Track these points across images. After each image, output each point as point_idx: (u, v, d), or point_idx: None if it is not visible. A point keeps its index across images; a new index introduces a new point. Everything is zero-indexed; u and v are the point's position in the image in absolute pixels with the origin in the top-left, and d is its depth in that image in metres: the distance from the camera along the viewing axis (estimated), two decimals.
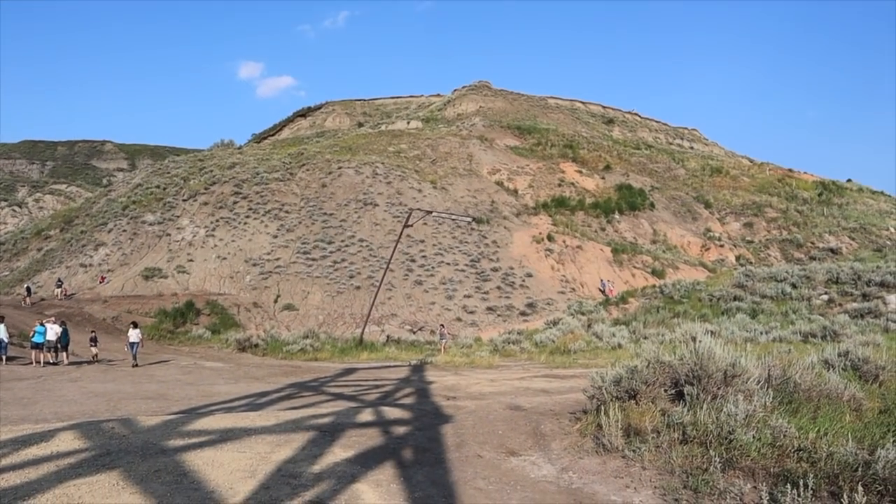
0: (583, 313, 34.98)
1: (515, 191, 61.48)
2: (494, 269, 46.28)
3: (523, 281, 45.49)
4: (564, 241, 51.58)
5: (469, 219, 45.83)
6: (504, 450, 8.13)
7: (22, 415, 11.59)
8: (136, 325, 25.36)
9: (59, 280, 42.39)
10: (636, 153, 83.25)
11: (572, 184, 65.00)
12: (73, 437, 8.41)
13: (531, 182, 63.99)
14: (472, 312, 41.03)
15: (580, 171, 68.66)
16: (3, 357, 22.71)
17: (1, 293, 41.27)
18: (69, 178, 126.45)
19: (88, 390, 15.98)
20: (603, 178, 68.63)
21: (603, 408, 8.35)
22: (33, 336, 23.58)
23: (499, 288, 44.13)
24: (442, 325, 34.08)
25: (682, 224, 63.69)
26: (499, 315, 41.01)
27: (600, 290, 45.44)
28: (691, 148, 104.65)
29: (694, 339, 9.62)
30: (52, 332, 23.82)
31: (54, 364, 23.52)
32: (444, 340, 30.97)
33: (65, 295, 40.35)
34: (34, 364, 22.85)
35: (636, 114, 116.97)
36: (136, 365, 23.37)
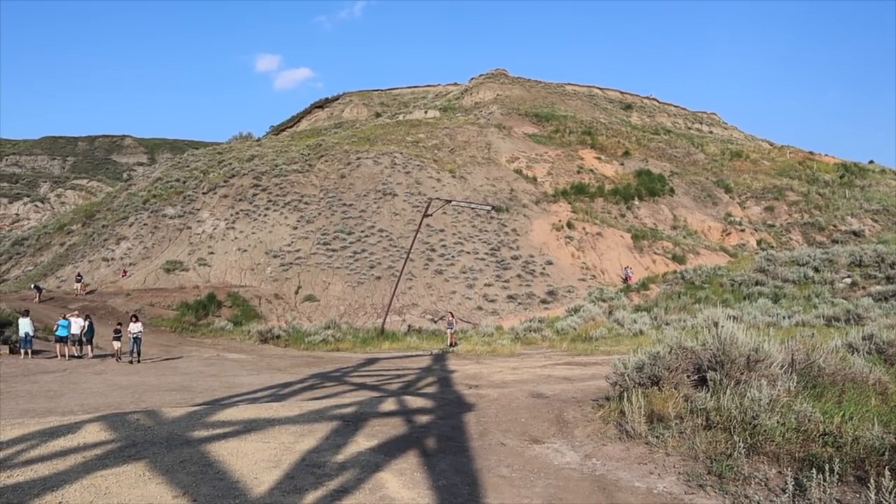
0: (604, 300, 34.84)
1: (534, 178, 61.22)
2: (514, 258, 46.19)
3: (543, 269, 45.38)
4: (584, 228, 51.37)
5: (488, 207, 45.71)
6: (527, 437, 8.13)
7: (49, 407, 11.75)
8: (136, 318, 24.11)
9: (79, 275, 42.73)
10: (655, 138, 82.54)
11: (591, 170, 64.63)
12: (100, 429, 8.51)
13: (550, 169, 63.70)
14: (492, 301, 41.00)
15: (599, 158, 68.23)
16: (29, 350, 23.02)
17: (25, 288, 41.65)
18: (90, 173, 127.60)
19: (113, 383, 16.17)
20: (622, 164, 68.14)
21: (626, 394, 8.33)
22: (57, 330, 23.94)
23: (519, 276, 44.06)
24: (451, 313, 33.35)
25: (702, 209, 63.15)
26: (519, 303, 40.96)
27: (622, 277, 45.20)
28: (710, 132, 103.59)
29: (716, 324, 9.55)
30: (76, 325, 24.17)
31: (79, 357, 23.85)
32: (451, 329, 30.30)
33: (84, 290, 40.63)
34: (59, 357, 23.18)
35: (654, 99, 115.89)
36: (138, 361, 22.63)
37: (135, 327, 23.05)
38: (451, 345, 28.74)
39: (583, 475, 6.65)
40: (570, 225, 51.52)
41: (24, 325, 22.99)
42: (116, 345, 23.53)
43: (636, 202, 59.90)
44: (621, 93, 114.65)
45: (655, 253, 50.27)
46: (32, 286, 40.00)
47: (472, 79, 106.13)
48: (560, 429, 8.46)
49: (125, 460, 6.95)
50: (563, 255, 47.97)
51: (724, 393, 7.46)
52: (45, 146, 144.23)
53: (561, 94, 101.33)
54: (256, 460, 7.04)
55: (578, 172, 63.57)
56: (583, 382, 12.64)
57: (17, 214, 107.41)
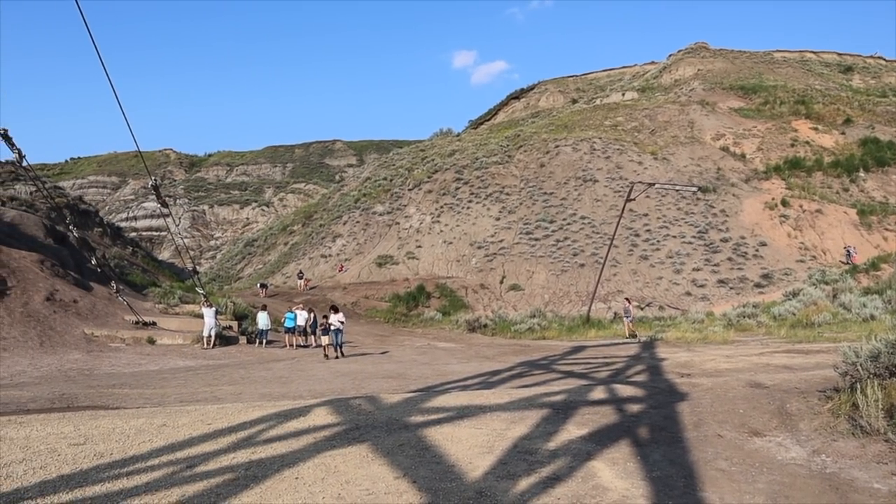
0: (826, 283, 32.22)
1: (743, 155, 57.72)
2: (724, 240, 43.91)
3: (756, 251, 42.74)
4: (801, 206, 47.69)
5: (694, 188, 43.83)
6: (746, 429, 7.74)
7: (282, 392, 12.83)
8: (336, 310, 22.46)
9: (301, 272, 46.26)
10: (882, 102, 74.57)
11: (807, 142, 59.78)
12: (327, 413, 9.19)
13: (760, 144, 59.75)
14: (701, 286, 39.27)
15: (815, 128, 62.94)
16: (265, 341, 25.32)
17: (255, 285, 45.63)
18: (306, 177, 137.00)
19: (336, 370, 17.35)
20: (843, 133, 62.32)
21: (858, 386, 7.66)
22: (285, 322, 26.29)
23: (730, 259, 41.82)
24: (626, 299, 31.12)
25: None
26: (731, 288, 38.90)
27: (844, 257, 41.45)
28: None
29: None
30: (301, 317, 26.35)
31: (304, 347, 25.87)
32: (628, 318, 28.37)
33: (307, 285, 43.92)
34: (287, 347, 25.34)
35: (880, 57, 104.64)
36: (342, 355, 21.62)
37: (336, 319, 21.73)
38: (629, 335, 27.35)
39: (811, 472, 6.23)
40: (784, 202, 48.05)
41: (263, 319, 25.44)
42: (325, 339, 22.25)
43: (861, 174, 54.55)
44: (839, 55, 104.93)
45: (887, 229, 45.59)
46: (259, 284, 44.16)
47: (670, 55, 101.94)
48: (782, 421, 7.96)
49: (350, 442, 7.46)
50: (777, 236, 44.90)
51: None
52: (267, 155, 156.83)
53: (769, 62, 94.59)
54: (470, 445, 7.27)
55: (792, 145, 59.07)
56: (806, 372, 11.80)
57: (247, 218, 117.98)
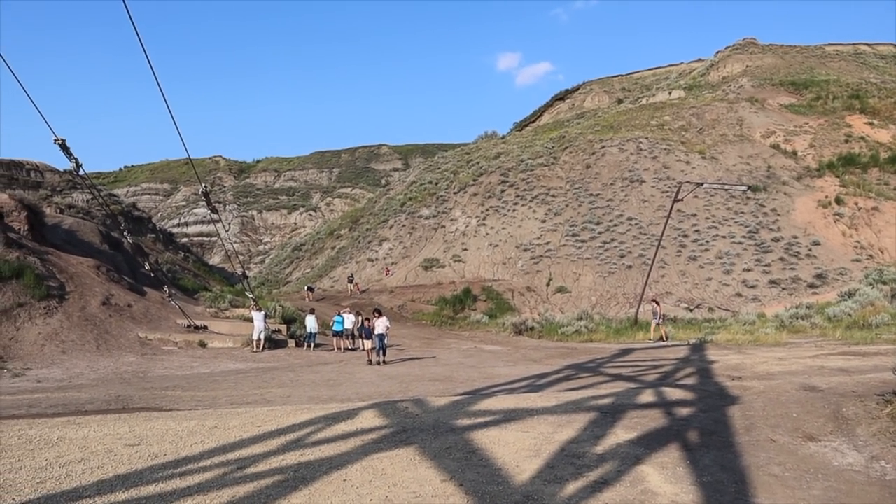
0: (884, 282, 31.29)
1: (794, 152, 56.48)
2: (775, 240, 43.00)
3: (809, 250, 41.76)
4: (856, 204, 46.45)
5: (743, 187, 42.97)
6: (800, 434, 7.57)
7: (330, 395, 12.96)
8: (380, 313, 21.49)
9: (351, 276, 46.74)
10: None
11: (862, 138, 58.19)
12: (374, 416, 9.26)
13: (812, 141, 58.38)
14: (752, 287, 38.51)
15: (871, 123, 61.22)
16: (313, 344, 25.60)
17: (307, 287, 46.17)
18: (353, 182, 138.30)
19: (382, 373, 17.46)
20: None
21: None
22: (333, 325, 26.57)
23: (781, 259, 40.94)
24: (654, 301, 29.53)
25: None
26: (783, 288, 38.07)
27: None
28: None
29: None
30: (349, 321, 26.57)
31: (352, 350, 26.09)
32: (657, 320, 27.64)
33: (358, 289, 44.36)
34: (335, 350, 25.58)
35: None
36: (384, 362, 20.47)
37: (380, 323, 20.63)
38: (660, 338, 26.80)
39: (869, 479, 6.06)
40: (838, 200, 46.85)
41: (311, 322, 25.76)
42: (367, 344, 21.29)
43: None
44: None
45: None
46: (306, 287, 44.84)
47: (717, 52, 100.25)
48: (838, 426, 7.77)
49: (397, 444, 7.51)
50: (831, 235, 43.81)
51: None
52: (314, 160, 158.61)
53: (820, 56, 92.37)
54: (517, 449, 7.25)
55: (846, 142, 57.56)
56: (863, 375, 11.49)
57: (295, 223, 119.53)
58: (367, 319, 22.15)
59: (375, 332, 20.64)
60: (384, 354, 20.73)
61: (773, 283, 38.61)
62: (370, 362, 20.54)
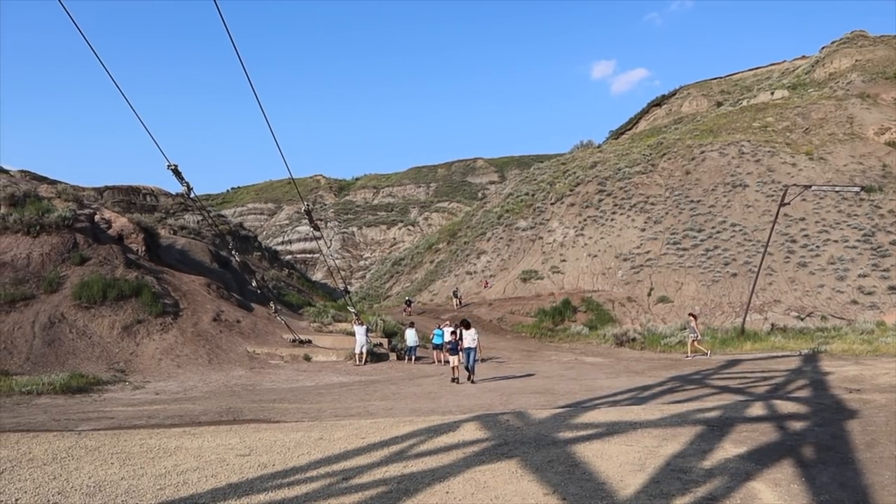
0: None
1: None
2: (894, 243, 40.67)
3: None
4: None
5: (856, 189, 40.88)
6: None
7: (431, 407, 13.07)
8: (468, 325, 19.24)
9: (456, 290, 47.07)
10: None
11: None
12: (475, 428, 9.29)
13: None
14: (869, 294, 36.50)
15: None
16: (413, 357, 25.92)
17: (406, 300, 46.77)
18: (449, 196, 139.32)
19: (483, 386, 17.47)
20: None
21: None
22: (433, 338, 26.87)
23: None
24: (691, 314, 28.32)
25: None
26: None
27: None
28: None
29: None
30: (449, 334, 26.72)
31: None
32: (694, 336, 26.05)
33: (460, 303, 44.62)
34: (436, 363, 25.80)
35: None
36: (472, 381, 18.23)
37: (469, 336, 18.59)
38: (692, 353, 25.65)
39: None
40: None
41: (411, 336, 26.16)
42: (453, 360, 18.95)
43: None
44: None
45: None
46: (405, 300, 45.55)
47: (823, 48, 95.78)
48: None
49: (499, 457, 7.50)
50: None
51: None
52: (411, 176, 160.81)
53: None
54: (620, 463, 7.13)
55: None
56: None
57: (394, 238, 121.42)
58: (453, 332, 20.05)
59: (463, 347, 18.58)
60: (473, 373, 18.49)
61: (892, 289, 36.49)
62: (455, 380, 18.42)
